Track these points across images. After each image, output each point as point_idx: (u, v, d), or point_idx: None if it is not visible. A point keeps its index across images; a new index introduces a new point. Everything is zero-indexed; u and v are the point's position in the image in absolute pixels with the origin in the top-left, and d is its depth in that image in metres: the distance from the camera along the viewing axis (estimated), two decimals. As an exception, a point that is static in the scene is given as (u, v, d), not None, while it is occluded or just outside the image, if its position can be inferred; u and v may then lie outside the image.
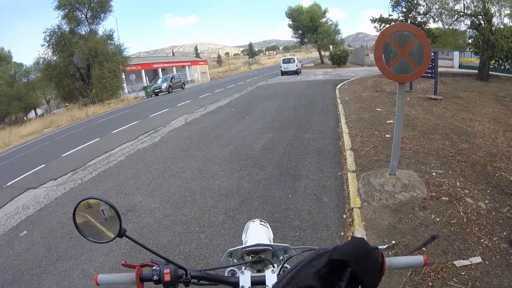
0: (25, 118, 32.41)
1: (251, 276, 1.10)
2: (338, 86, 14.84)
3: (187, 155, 7.12)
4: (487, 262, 2.87)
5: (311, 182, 4.88)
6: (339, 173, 5.06)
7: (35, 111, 36.43)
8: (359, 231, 3.41)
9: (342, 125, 7.76)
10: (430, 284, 2.74)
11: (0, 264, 3.90)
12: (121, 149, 8.65)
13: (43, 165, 8.74)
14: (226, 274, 1.26)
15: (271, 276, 1.09)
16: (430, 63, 9.95)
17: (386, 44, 3.62)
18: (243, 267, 1.21)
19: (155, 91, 28.23)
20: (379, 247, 0.97)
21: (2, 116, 32.85)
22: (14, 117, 33.29)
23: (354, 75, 20.66)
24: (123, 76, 31.46)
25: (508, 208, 3.66)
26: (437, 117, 7.74)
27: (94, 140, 10.70)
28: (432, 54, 10.12)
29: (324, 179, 4.92)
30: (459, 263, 2.91)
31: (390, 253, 3.06)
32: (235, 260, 1.56)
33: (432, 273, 2.83)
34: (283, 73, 28.62)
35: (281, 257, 1.65)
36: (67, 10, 28.71)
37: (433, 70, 10.07)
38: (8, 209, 5.68)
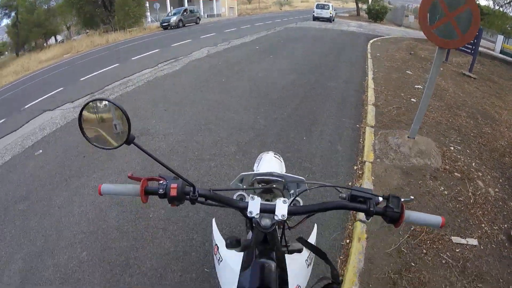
0: (45, 44, 31.43)
1: (261, 203, 1.03)
2: (370, 41, 14.04)
3: (205, 86, 7.02)
4: (482, 247, 2.86)
5: (327, 129, 4.77)
6: (357, 126, 4.92)
7: (55, 38, 35.21)
8: (367, 185, 3.35)
9: (369, 79, 7.42)
10: (425, 251, 2.74)
11: (15, 181, 3.97)
12: (140, 75, 8.54)
13: (61, 88, 8.74)
14: (235, 198, 1.19)
15: (282, 206, 1.02)
16: (473, 39, 9.32)
17: (435, 3, 3.39)
18: (252, 194, 1.12)
19: (163, 24, 24.96)
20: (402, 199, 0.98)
21: (22, 43, 31.97)
22: (34, 44, 32.21)
23: (390, 33, 19.52)
24: (147, 5, 30.18)
25: (515, 203, 3.57)
26: (467, 94, 7.38)
27: (113, 66, 10.56)
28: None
29: (342, 129, 4.80)
30: (456, 239, 2.90)
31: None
32: (245, 186, 1.51)
33: (428, 242, 2.82)
34: (315, 18, 26.99)
35: (292, 191, 1.55)
36: None
37: (473, 47, 9.44)
38: (25, 130, 5.76)
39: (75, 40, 27.02)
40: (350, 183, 3.50)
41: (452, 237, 2.91)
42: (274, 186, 1.46)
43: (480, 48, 11.80)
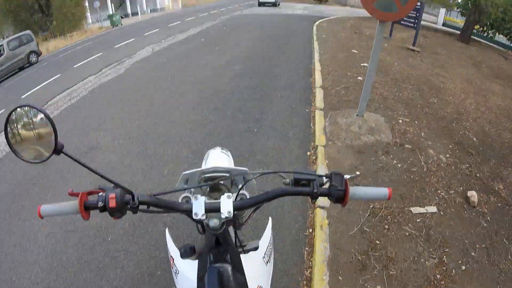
0: None
1: (205, 203, 0.99)
2: (316, 23, 14.35)
3: (152, 87, 6.90)
4: (441, 213, 3.01)
5: (277, 117, 4.81)
6: (307, 110, 4.99)
7: None
8: (322, 169, 3.39)
9: (315, 62, 7.57)
10: (387, 227, 2.82)
11: None
12: (83, 84, 8.21)
13: (2, 110, 8.15)
14: (180, 201, 1.11)
15: (226, 202, 0.99)
16: (415, 12, 9.81)
17: None
18: (199, 194, 1.05)
19: None
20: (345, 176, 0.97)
21: None
22: None
23: (335, 14, 20.06)
24: (86, 4, 28.67)
25: (467, 165, 3.80)
26: (412, 67, 7.75)
27: (55, 77, 10.05)
28: (418, 4, 9.94)
29: (292, 115, 4.85)
30: (415, 210, 3.02)
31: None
32: (190, 186, 1.45)
33: (389, 217, 2.91)
34: (260, 3, 26.98)
35: (240, 185, 1.50)
36: None
37: (416, 20, 9.96)
38: None
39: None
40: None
41: (411, 208, 3.03)
42: (220, 182, 1.41)
43: (423, 22, 12.45)
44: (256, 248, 1.33)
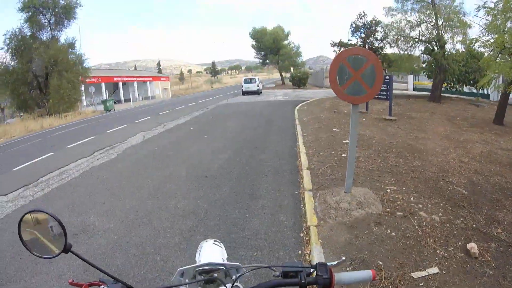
0: None
1: None
2: (297, 107, 15.31)
3: (143, 174, 7.03)
4: (444, 272, 3.01)
5: (268, 201, 4.92)
6: (296, 192, 5.15)
7: None
8: (316, 249, 3.45)
9: (300, 145, 7.96)
10: None
11: None
12: (75, 165, 8.40)
13: None
14: None
15: None
16: (386, 85, 10.65)
17: (341, 67, 3.89)
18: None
19: None
20: (328, 263, 1.06)
21: None
22: None
23: (313, 97, 21.46)
24: (82, 88, 30.94)
25: (461, 219, 3.89)
26: (392, 136, 8.17)
27: (48, 154, 10.38)
28: (387, 77, 10.90)
29: (281, 198, 4.98)
30: (416, 274, 3.02)
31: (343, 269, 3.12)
32: (187, 280, 1.53)
33: (390, 286, 2.90)
34: (244, 92, 29.40)
35: (234, 277, 1.64)
36: (30, 13, 27.81)
37: (388, 93, 10.77)
38: None
39: (9, 124, 25.86)
40: (300, 252, 3.58)
41: (412, 273, 3.02)
42: (215, 275, 1.54)
43: (395, 91, 13.42)
44: None
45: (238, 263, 1.50)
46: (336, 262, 1.09)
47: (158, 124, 14.38)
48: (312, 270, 1.08)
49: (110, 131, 13.73)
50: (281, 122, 12.10)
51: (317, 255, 3.35)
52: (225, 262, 1.59)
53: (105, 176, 7.15)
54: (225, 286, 1.18)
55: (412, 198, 4.48)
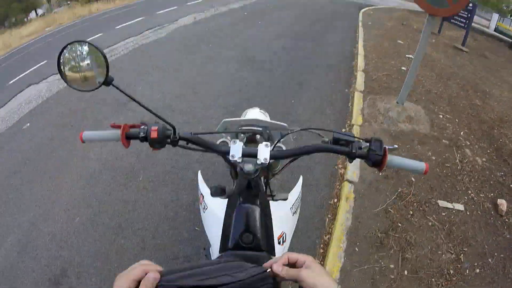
0: (25, 19, 30.42)
1: (243, 148, 1.04)
2: (362, 10, 13.95)
3: (192, 52, 6.96)
4: (468, 213, 2.97)
5: (316, 94, 4.79)
6: (346, 90, 4.94)
7: (36, 12, 34.27)
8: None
9: (359, 47, 7.40)
10: (411, 212, 2.82)
11: (4, 156, 4.09)
12: (124, 43, 8.39)
13: (45, 61, 8.63)
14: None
15: (263, 149, 1.03)
16: (467, 13, 9.45)
17: None
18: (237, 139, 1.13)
19: None
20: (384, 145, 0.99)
21: (2, 20, 30.95)
22: (15, 19, 31.18)
23: (383, 4, 19.48)
24: None
25: (502, 174, 3.69)
26: (459, 67, 7.49)
27: (97, 35, 10.37)
28: (471, 5, 9.58)
29: (330, 93, 4.82)
30: (442, 203, 2.99)
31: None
32: (228, 137, 1.51)
33: (415, 204, 2.90)
34: None
35: (277, 137, 1.55)
36: None
37: (467, 21, 9.60)
38: (12, 105, 5.83)
39: (57, 13, 25.73)
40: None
41: (438, 200, 3.00)
42: (258, 131, 1.48)
43: (474, 24, 11.97)
44: (285, 199, 1.40)
45: (284, 124, 1.40)
46: (390, 146, 1.01)
47: (210, 7, 13.52)
48: (364, 145, 1.01)
49: (159, 12, 13.23)
50: (343, 22, 11.10)
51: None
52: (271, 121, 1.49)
53: (153, 53, 7.13)
54: (268, 146, 1.06)
55: (462, 133, 4.23)
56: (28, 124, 4.78)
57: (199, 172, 1.70)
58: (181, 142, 1.07)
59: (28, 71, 8.16)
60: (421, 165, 0.98)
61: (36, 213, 3.09)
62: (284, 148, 1.36)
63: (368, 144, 0.99)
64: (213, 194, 1.18)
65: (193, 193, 3.06)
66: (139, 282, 0.61)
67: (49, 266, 2.59)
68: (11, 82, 7.61)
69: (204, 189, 1.53)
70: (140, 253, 2.57)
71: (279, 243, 1.21)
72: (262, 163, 1.00)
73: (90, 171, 3.46)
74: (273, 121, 1.43)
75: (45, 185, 3.42)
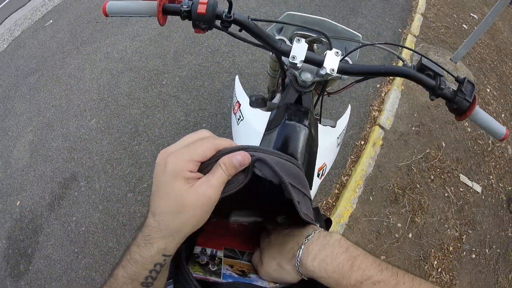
0: None
1: (307, 50, 0.82)
2: None
3: None
4: (483, 197, 2.86)
5: (367, 23, 4.35)
6: (399, 30, 4.47)
7: None
8: (395, 93, 3.12)
9: (423, -12, 6.69)
10: (432, 177, 2.70)
11: (25, 55, 3.82)
12: None
13: None
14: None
15: (332, 58, 0.83)
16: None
17: None
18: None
19: None
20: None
21: None
22: None
23: None
24: None
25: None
26: (523, 44, 6.95)
27: None
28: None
29: (382, 28, 4.37)
30: (463, 178, 2.88)
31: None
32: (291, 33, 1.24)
33: (438, 170, 2.77)
34: None
35: (348, 49, 1.29)
36: None
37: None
38: (34, 3, 5.17)
39: None
40: (378, 85, 3.24)
41: (460, 174, 2.87)
42: (317, 38, 1.20)
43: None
44: (333, 126, 1.21)
45: (358, 34, 1.13)
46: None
47: None
48: (454, 84, 0.87)
49: None
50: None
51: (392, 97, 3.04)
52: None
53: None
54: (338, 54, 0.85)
55: (503, 115, 3.96)
56: (51, 21, 4.45)
57: (237, 77, 1.44)
58: (233, 27, 0.83)
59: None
60: (502, 129, 0.88)
61: (52, 113, 3.00)
62: (351, 62, 1.10)
63: (458, 84, 0.84)
64: (253, 103, 1.02)
65: (217, 105, 2.86)
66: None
67: (60, 169, 2.60)
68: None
69: (241, 96, 1.29)
70: (154, 162, 2.45)
71: (318, 175, 1.04)
72: (327, 73, 0.81)
73: (112, 72, 3.23)
74: (345, 27, 1.14)
75: (63, 84, 3.25)
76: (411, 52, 3.92)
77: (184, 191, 0.41)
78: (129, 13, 0.84)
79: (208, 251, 0.51)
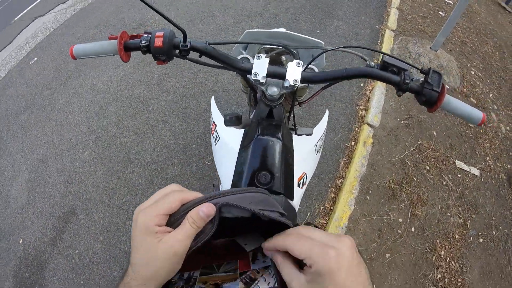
0: None
1: (268, 66, 0.84)
2: None
3: None
4: (482, 180, 2.88)
5: (344, 25, 4.40)
6: (377, 27, 4.55)
7: None
8: (379, 90, 3.17)
9: (396, -19, 6.81)
10: (427, 168, 2.71)
11: (13, 94, 3.96)
12: None
13: None
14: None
15: (294, 69, 0.84)
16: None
17: None
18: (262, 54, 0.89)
19: None
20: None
21: None
22: None
23: None
24: None
25: (523, 147, 3.57)
26: (499, 25, 7.03)
27: None
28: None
29: (359, 27, 4.43)
30: (459, 164, 2.90)
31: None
32: (253, 51, 1.30)
33: (433, 159, 2.79)
34: None
35: (312, 55, 1.33)
36: None
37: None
38: (18, 41, 5.51)
39: None
40: (362, 84, 3.29)
41: (456, 160, 2.90)
42: (286, 52, 1.27)
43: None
44: (309, 134, 1.23)
45: (321, 41, 1.15)
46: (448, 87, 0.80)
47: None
48: (419, 76, 0.85)
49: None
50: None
51: (377, 94, 3.08)
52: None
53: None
54: (300, 65, 0.87)
55: (491, 95, 4.01)
56: (35, 58, 4.56)
57: (212, 98, 1.51)
58: (192, 54, 0.86)
59: (33, 4, 7.51)
60: (478, 114, 0.85)
61: (45, 150, 3.08)
62: (317, 70, 1.14)
63: (424, 76, 0.83)
64: (227, 122, 1.01)
65: (205, 124, 2.93)
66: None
67: (58, 204, 2.65)
68: (16, 18, 7.07)
69: (217, 116, 1.36)
70: (149, 188, 2.56)
71: (298, 185, 1.06)
72: (291, 85, 0.82)
73: (100, 103, 3.33)
74: (306, 36, 1.18)
75: (53, 120, 3.35)
76: (390, 48, 3.98)
77: (153, 245, 0.44)
78: (94, 53, 0.88)
79: (186, 274, 0.53)
